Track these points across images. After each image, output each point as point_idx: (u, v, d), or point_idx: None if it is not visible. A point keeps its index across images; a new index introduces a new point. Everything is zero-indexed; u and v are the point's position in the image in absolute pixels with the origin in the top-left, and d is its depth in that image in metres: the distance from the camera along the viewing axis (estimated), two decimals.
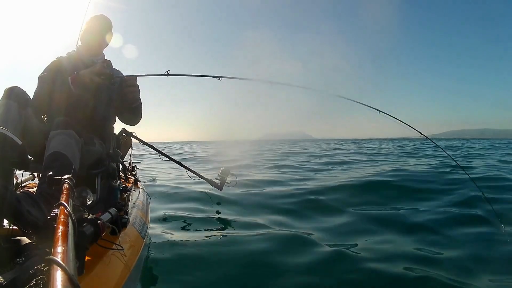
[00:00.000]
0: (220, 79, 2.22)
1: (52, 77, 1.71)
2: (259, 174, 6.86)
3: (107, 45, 1.92)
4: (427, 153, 13.11)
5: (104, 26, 1.86)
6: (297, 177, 6.33)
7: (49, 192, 1.17)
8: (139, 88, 1.85)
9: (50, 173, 0.92)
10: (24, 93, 1.42)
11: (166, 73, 2.03)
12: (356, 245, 2.55)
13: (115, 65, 1.96)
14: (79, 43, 1.88)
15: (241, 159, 9.74)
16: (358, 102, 2.71)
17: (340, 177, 6.12)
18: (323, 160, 10.81)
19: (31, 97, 1.56)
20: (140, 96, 1.88)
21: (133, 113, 1.94)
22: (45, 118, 1.77)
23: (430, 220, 3.18)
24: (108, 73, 1.66)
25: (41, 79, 1.73)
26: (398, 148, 19.46)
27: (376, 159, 10.69)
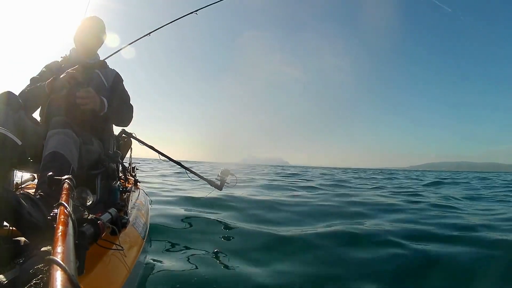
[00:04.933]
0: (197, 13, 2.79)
1: (46, 79, 1.72)
2: None
3: (102, 44, 1.92)
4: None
5: (96, 27, 1.85)
6: None
7: (48, 192, 1.17)
8: (92, 98, 1.63)
9: (50, 173, 0.92)
10: (16, 97, 1.43)
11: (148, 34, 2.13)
12: None
13: (112, 65, 1.97)
14: (73, 45, 1.88)
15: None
16: None
17: None
18: None
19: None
20: (94, 105, 1.65)
21: (107, 120, 1.83)
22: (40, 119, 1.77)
23: None
24: (79, 81, 1.60)
25: (32, 80, 1.76)
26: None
27: None
